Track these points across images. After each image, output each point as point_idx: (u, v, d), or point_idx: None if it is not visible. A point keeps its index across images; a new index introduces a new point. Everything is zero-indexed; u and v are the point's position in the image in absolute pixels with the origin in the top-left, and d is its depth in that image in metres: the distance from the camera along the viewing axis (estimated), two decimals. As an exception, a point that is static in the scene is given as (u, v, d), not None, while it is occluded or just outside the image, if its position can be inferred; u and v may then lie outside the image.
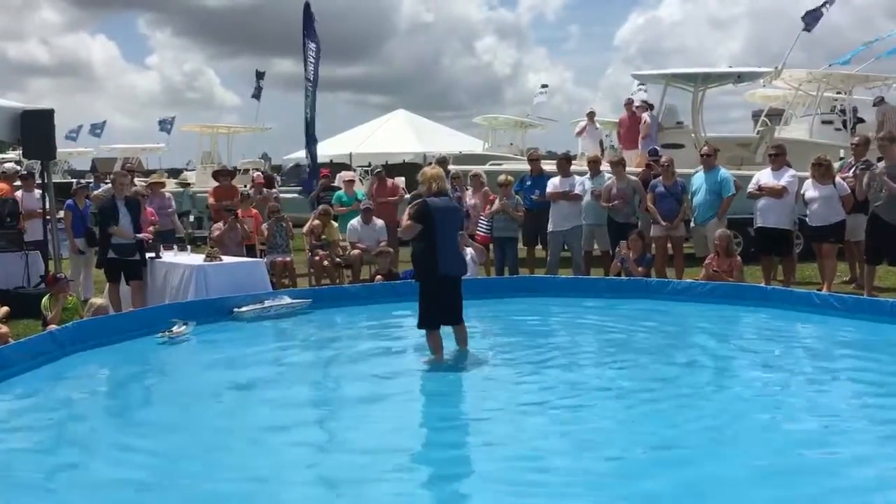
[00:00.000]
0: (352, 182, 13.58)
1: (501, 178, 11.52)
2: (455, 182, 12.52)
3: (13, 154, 26.72)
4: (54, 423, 5.56)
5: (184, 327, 7.95)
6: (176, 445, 4.97)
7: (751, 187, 10.56)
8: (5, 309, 8.92)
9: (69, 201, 11.72)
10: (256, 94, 31.35)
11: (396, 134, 30.50)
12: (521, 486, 4.20)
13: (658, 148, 13.14)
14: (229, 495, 4.12)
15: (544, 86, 31.43)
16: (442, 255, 6.52)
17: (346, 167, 23.85)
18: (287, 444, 4.97)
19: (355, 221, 12.04)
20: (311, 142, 13.74)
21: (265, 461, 4.61)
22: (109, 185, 12.78)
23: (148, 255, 9.78)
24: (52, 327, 7.91)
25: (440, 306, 6.68)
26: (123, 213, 9.38)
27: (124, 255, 9.40)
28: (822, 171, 10.11)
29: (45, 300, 8.76)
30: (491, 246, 11.46)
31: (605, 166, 11.91)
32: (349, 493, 4.15)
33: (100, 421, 5.63)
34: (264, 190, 13.39)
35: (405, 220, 6.60)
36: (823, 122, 17.26)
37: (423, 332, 6.81)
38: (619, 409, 5.52)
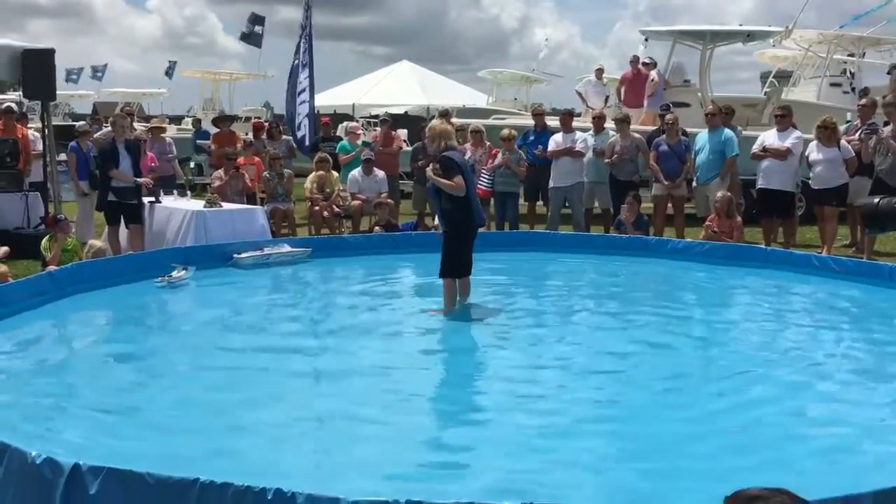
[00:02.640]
0: (356, 132, 13.50)
1: (504, 132, 11.47)
2: (460, 135, 12.46)
3: (13, 94, 26.53)
4: (48, 360, 5.64)
5: (183, 272, 7.99)
6: (169, 388, 5.03)
7: (755, 148, 10.52)
8: (5, 249, 8.97)
9: (73, 143, 11.70)
10: (247, 38, 28.88)
11: (400, 86, 30.26)
12: (520, 429, 4.28)
13: (670, 104, 13.02)
14: (223, 445, 4.11)
15: (546, 38, 31.11)
16: (473, 205, 6.79)
17: (349, 118, 23.68)
18: (284, 392, 5.03)
19: (356, 172, 12.02)
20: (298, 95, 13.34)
21: (262, 411, 4.65)
22: (109, 128, 12.72)
23: (148, 199, 9.79)
24: (52, 268, 7.96)
25: (467, 254, 6.89)
26: (123, 157, 9.37)
27: (124, 198, 9.41)
28: (828, 134, 10.07)
29: (44, 241, 8.79)
30: (492, 200, 11.45)
31: (609, 124, 11.85)
32: (345, 446, 4.19)
33: (92, 359, 5.71)
34: (263, 137, 13.27)
35: (443, 180, 6.59)
36: (832, 85, 17.11)
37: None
38: (611, 363, 5.58)
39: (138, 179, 9.50)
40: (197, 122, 12.41)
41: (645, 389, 5.03)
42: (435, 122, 7.23)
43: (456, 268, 6.84)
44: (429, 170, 6.81)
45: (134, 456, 3.51)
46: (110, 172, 9.28)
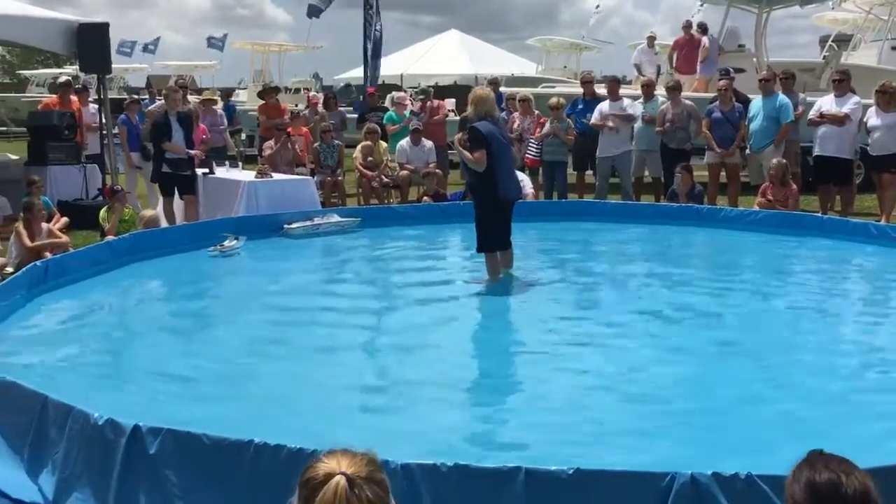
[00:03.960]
0: (403, 103, 13.51)
1: (553, 100, 11.34)
2: (509, 104, 12.38)
3: (70, 69, 27.08)
4: (106, 326, 5.83)
5: (235, 242, 8.13)
6: (220, 355, 5.15)
7: (812, 114, 10.26)
8: (65, 220, 9.21)
9: (122, 116, 11.93)
10: (315, 12, 29.10)
11: (448, 55, 30.06)
12: (564, 408, 4.31)
13: (730, 69, 12.70)
14: (273, 411, 4.19)
15: (597, 6, 30.54)
16: (502, 179, 6.51)
17: (397, 88, 23.65)
18: (332, 364, 5.11)
19: (404, 142, 12.04)
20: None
21: (311, 378, 4.74)
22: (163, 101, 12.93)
23: (201, 171, 9.95)
24: (110, 238, 8.17)
25: (502, 228, 6.70)
26: (176, 129, 9.50)
27: (177, 169, 9.56)
28: (887, 99, 9.76)
29: (102, 212, 9.02)
30: (540, 170, 11.38)
31: (660, 90, 11.64)
32: (395, 416, 4.25)
33: (148, 326, 5.88)
34: (319, 109, 13.34)
35: (465, 153, 6.49)
36: (893, 49, 16.51)
37: (479, 254, 6.86)
38: (659, 334, 5.54)
39: (190, 151, 9.65)
40: (226, 95, 12.46)
41: (694, 356, 5.00)
42: (475, 88, 7.04)
43: (490, 242, 6.70)
44: (457, 138, 6.62)
45: (188, 419, 3.61)
46: (163, 145, 9.43)
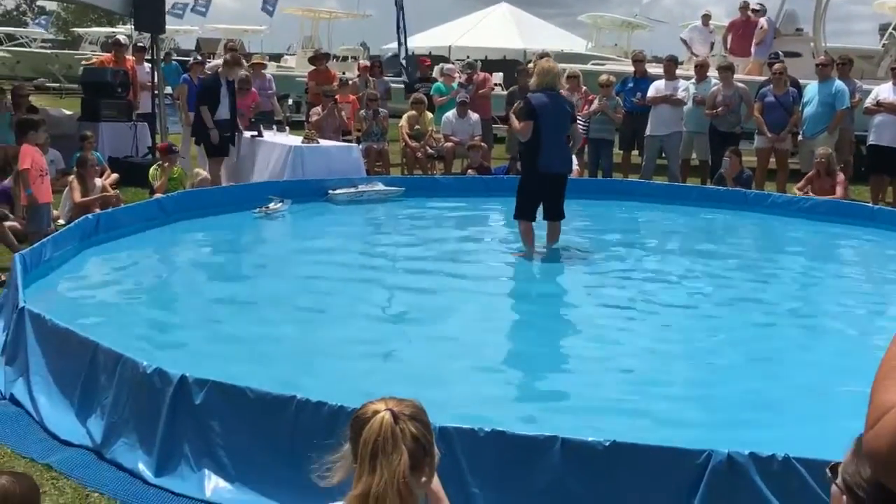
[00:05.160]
0: (452, 75, 13.43)
1: (603, 77, 11.23)
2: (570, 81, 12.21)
3: (123, 28, 27.40)
4: (153, 281, 5.97)
5: (280, 204, 8.24)
6: (262, 314, 5.25)
7: (868, 102, 10.03)
8: (115, 175, 9.39)
9: (185, 75, 12.08)
10: None
11: (498, 29, 29.76)
12: (596, 381, 4.32)
13: (780, 52, 12.44)
14: (302, 376, 4.23)
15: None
16: (545, 152, 6.55)
17: (445, 60, 23.52)
18: (372, 325, 5.18)
19: (450, 114, 12.00)
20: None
21: (351, 341, 4.80)
22: (219, 62, 13.09)
23: (250, 133, 10.06)
24: (159, 195, 8.32)
25: (536, 200, 6.78)
26: (224, 94, 9.62)
27: (222, 130, 9.69)
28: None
29: (152, 170, 9.17)
30: (586, 147, 11.29)
31: (712, 72, 11.45)
32: (426, 379, 4.28)
33: (194, 283, 6.02)
34: (370, 79, 13.34)
35: (514, 121, 6.61)
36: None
37: (516, 223, 6.93)
38: (695, 321, 5.51)
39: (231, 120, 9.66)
40: (260, 65, 12.46)
41: (728, 337, 4.98)
42: (541, 60, 7.11)
43: (520, 209, 6.78)
44: (516, 105, 6.72)
45: (229, 373, 3.70)
46: (201, 110, 9.53)
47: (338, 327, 5.05)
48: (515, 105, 6.74)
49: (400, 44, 14.17)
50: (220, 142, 9.69)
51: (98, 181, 8.34)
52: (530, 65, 7.07)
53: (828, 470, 1.80)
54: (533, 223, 6.85)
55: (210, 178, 9.31)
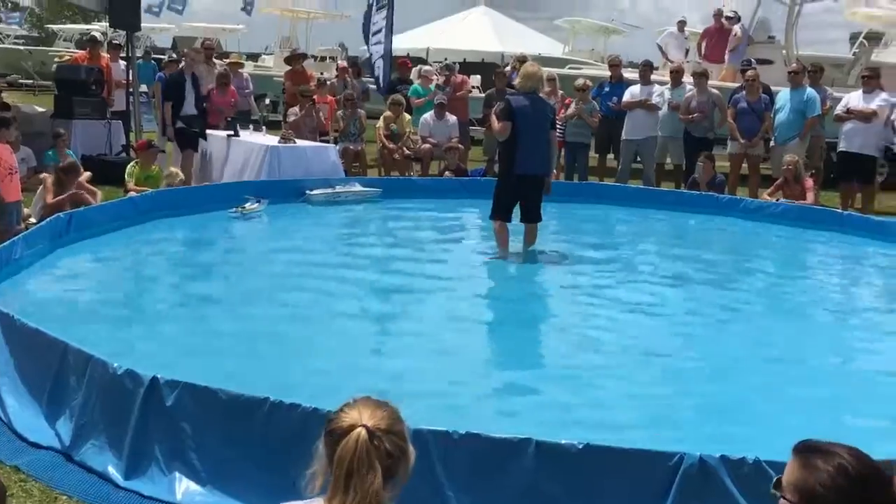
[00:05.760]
0: (430, 77, 13.40)
1: (580, 81, 11.26)
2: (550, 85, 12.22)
3: (97, 25, 27.10)
4: (125, 280, 5.91)
5: (256, 205, 8.18)
6: (236, 314, 5.19)
7: (838, 109, 10.14)
8: (88, 174, 9.25)
9: (160, 74, 11.95)
10: None
11: (476, 31, 29.80)
12: (564, 391, 4.32)
13: (753, 60, 12.56)
14: (275, 377, 4.16)
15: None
16: (521, 154, 6.60)
17: (423, 62, 23.50)
18: (347, 328, 5.15)
19: (428, 116, 11.96)
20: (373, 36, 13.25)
21: (324, 344, 4.76)
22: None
23: (227, 133, 9.99)
24: (133, 194, 8.22)
25: (512, 200, 6.82)
26: (189, 89, 9.59)
27: (190, 125, 9.71)
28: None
29: (129, 167, 9.04)
30: (562, 151, 11.32)
31: (687, 78, 11.52)
32: (401, 378, 4.29)
33: (166, 283, 5.96)
34: (348, 79, 13.25)
35: (494, 121, 6.65)
36: (926, 47, 16.27)
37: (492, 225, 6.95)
38: (665, 324, 5.53)
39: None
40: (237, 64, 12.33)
41: (697, 340, 5.00)
42: (528, 63, 7.16)
43: (498, 209, 6.81)
44: (497, 106, 6.77)
45: (201, 373, 3.65)
46: (164, 106, 9.57)
47: (313, 328, 5.02)
48: (496, 106, 6.78)
49: (370, 44, 14.04)
50: (189, 137, 9.63)
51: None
52: (507, 68, 7.11)
53: (772, 488, 1.76)
54: (508, 224, 6.85)
55: (182, 178, 9.23)
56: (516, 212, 6.95)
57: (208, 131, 10.35)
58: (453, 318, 5.36)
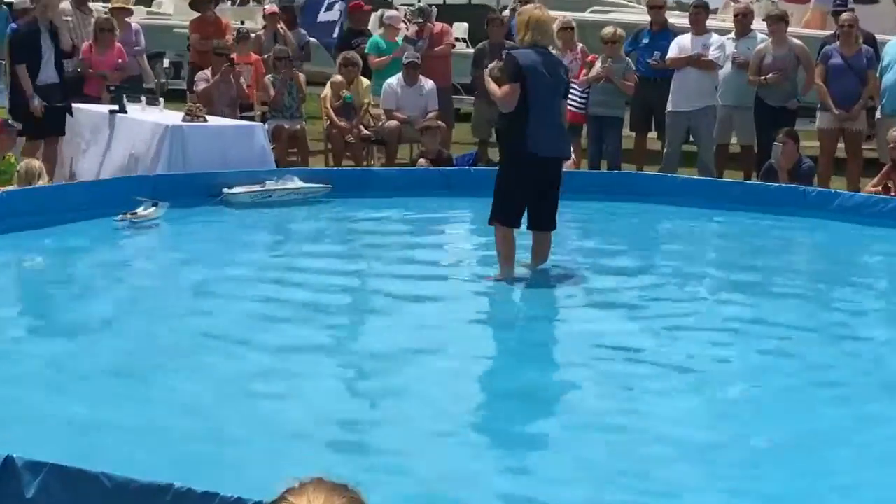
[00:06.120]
0: (396, 26, 13.45)
1: (607, 31, 11.34)
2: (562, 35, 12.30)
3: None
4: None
5: (152, 209, 8.14)
6: (126, 368, 5.14)
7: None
8: None
9: (12, 24, 11.92)
10: None
11: (460, -39, 30.01)
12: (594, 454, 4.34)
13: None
14: (183, 454, 4.10)
15: None
16: (533, 127, 6.63)
17: (386, 4, 23.58)
18: (291, 378, 5.12)
19: (394, 81, 12.01)
20: None
21: (240, 410, 4.70)
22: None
23: (109, 108, 9.99)
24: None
25: (522, 196, 6.82)
26: (47, 46, 9.70)
27: (48, 99, 9.74)
28: None
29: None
30: (585, 127, 11.39)
31: (758, 24, 11.64)
32: (379, 456, 4.28)
33: (25, 315, 5.93)
34: (280, 29, 13.25)
35: (492, 85, 6.66)
36: None
37: (492, 230, 6.98)
38: (725, 375, 5.55)
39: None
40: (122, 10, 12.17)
41: (764, 399, 5.05)
42: (527, 7, 7.15)
43: (503, 211, 6.82)
44: (491, 67, 6.78)
45: (76, 449, 3.61)
46: (17, 70, 9.58)
47: (230, 384, 4.97)
48: (493, 65, 6.78)
49: None
50: (48, 115, 9.64)
51: None
52: (505, 12, 7.13)
53: None
54: (514, 231, 6.88)
55: (42, 169, 9.20)
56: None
57: (83, 106, 10.32)
58: (442, 370, 5.35)
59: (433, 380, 5.23)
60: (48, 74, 9.72)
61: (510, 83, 6.54)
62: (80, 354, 5.35)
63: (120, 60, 11.26)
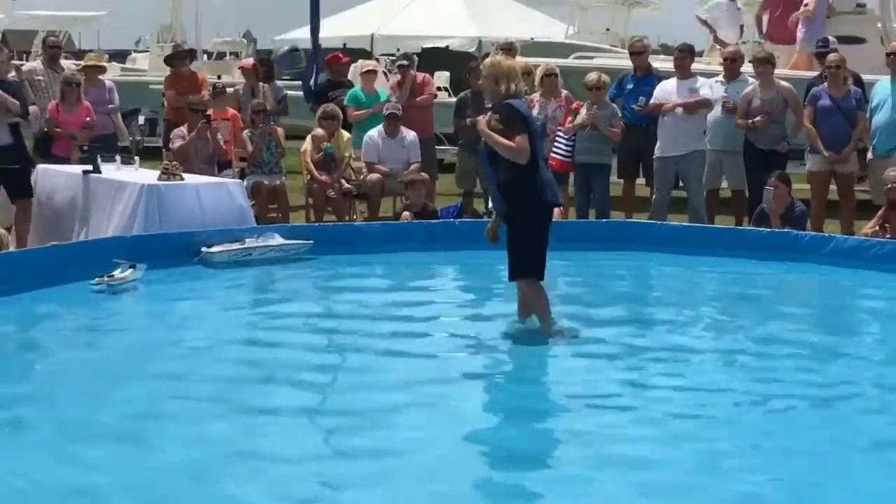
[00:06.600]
0: (373, 74, 13.53)
1: (592, 77, 11.40)
2: (526, 80, 12.42)
3: None
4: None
5: (129, 271, 8.11)
6: (108, 446, 5.06)
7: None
8: None
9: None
10: None
11: (439, 8, 30.25)
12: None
13: (831, 38, 12.82)
14: None
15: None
16: (542, 175, 6.81)
17: (365, 54, 23.76)
18: (279, 460, 5.01)
19: (375, 133, 12.06)
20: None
21: (219, 472, 4.68)
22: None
23: (82, 168, 9.97)
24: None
25: (544, 245, 6.93)
26: None
27: (2, 161, 9.75)
28: None
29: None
30: (571, 175, 11.42)
31: (746, 66, 11.73)
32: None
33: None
34: (258, 85, 13.29)
35: (502, 139, 6.65)
36: None
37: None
38: (731, 425, 5.53)
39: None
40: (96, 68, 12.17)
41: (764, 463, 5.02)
42: (497, 58, 7.19)
43: (536, 263, 6.88)
44: (482, 120, 6.77)
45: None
46: None
47: (224, 463, 4.91)
48: (488, 117, 6.77)
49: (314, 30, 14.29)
50: (3, 179, 9.69)
51: None
52: (488, 60, 7.15)
53: None
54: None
55: (3, 235, 9.22)
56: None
57: (55, 167, 10.33)
58: (424, 430, 5.30)
59: (419, 438, 5.17)
60: None
61: (521, 134, 6.60)
62: (50, 419, 5.30)
63: (88, 118, 11.28)
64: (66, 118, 11.04)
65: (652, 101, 11.18)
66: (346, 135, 12.25)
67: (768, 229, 9.92)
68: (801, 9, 14.35)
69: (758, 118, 10.70)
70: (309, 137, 12.09)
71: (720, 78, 11.43)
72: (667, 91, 11.17)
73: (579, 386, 6.15)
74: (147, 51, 32.11)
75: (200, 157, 11.33)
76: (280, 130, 12.25)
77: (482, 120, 6.79)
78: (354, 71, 15.69)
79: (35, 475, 4.55)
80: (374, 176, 11.79)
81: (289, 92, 14.22)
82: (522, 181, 6.74)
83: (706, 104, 10.96)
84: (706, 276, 9.35)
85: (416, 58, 14.33)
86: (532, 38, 20.80)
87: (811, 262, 9.33)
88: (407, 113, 12.25)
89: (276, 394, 5.85)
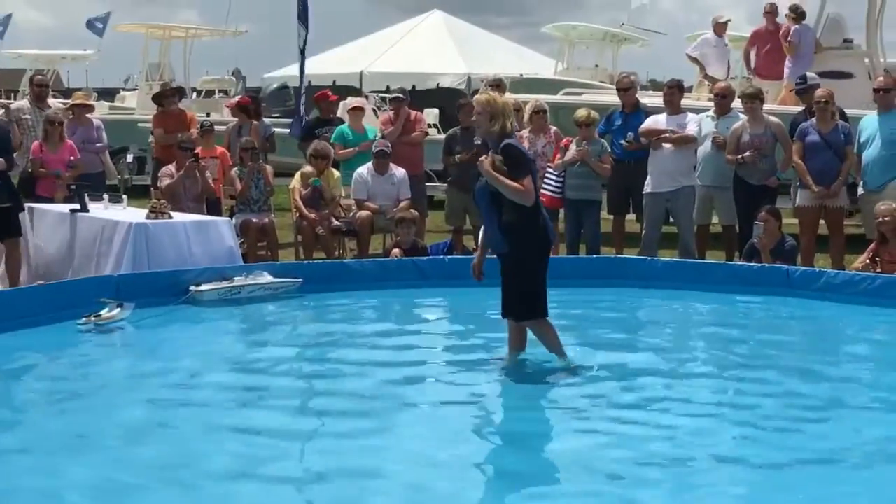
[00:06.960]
0: (360, 111, 13.60)
1: (581, 113, 11.47)
2: (516, 117, 12.53)
3: None
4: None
5: (117, 311, 8.12)
6: (89, 477, 5.08)
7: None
8: None
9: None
10: None
11: (429, 46, 30.41)
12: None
13: (811, 75, 12.89)
14: None
15: (647, -17, 30.97)
16: (543, 214, 6.94)
17: (355, 91, 23.87)
18: (258, 482, 5.06)
19: (364, 170, 12.10)
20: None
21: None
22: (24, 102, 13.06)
23: (70, 207, 10.01)
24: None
25: (546, 283, 7.02)
26: None
27: None
28: None
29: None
30: (562, 211, 11.47)
31: (736, 102, 11.82)
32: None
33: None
34: (248, 122, 13.34)
35: (508, 181, 6.65)
36: None
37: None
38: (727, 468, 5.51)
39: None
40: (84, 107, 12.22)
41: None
42: (492, 95, 7.16)
43: (544, 302, 7.00)
44: (486, 161, 6.72)
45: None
46: None
47: (220, 482, 4.93)
48: (489, 158, 6.73)
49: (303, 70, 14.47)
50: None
51: None
52: (482, 96, 7.13)
53: None
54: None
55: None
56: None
57: (42, 206, 10.36)
58: (417, 468, 5.29)
59: (410, 477, 5.18)
60: None
61: (527, 175, 6.67)
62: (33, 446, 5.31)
63: (72, 157, 11.33)
64: (49, 157, 11.13)
65: (641, 128, 11.25)
66: (335, 172, 12.29)
67: (759, 264, 9.97)
68: (789, 43, 14.49)
69: (747, 153, 10.77)
70: (298, 174, 12.13)
71: (710, 113, 11.54)
72: (657, 124, 11.24)
73: (576, 415, 6.23)
74: (136, 89, 32.16)
75: (189, 196, 11.37)
76: (269, 168, 12.31)
77: (486, 161, 6.72)
78: (343, 108, 15.78)
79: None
80: (364, 213, 11.81)
81: (276, 130, 14.30)
82: (526, 222, 6.79)
83: (690, 140, 11.04)
84: (695, 311, 9.40)
85: (407, 97, 14.36)
86: (521, 75, 20.98)
87: (803, 298, 9.37)
88: (397, 150, 12.28)
89: (268, 420, 5.90)
